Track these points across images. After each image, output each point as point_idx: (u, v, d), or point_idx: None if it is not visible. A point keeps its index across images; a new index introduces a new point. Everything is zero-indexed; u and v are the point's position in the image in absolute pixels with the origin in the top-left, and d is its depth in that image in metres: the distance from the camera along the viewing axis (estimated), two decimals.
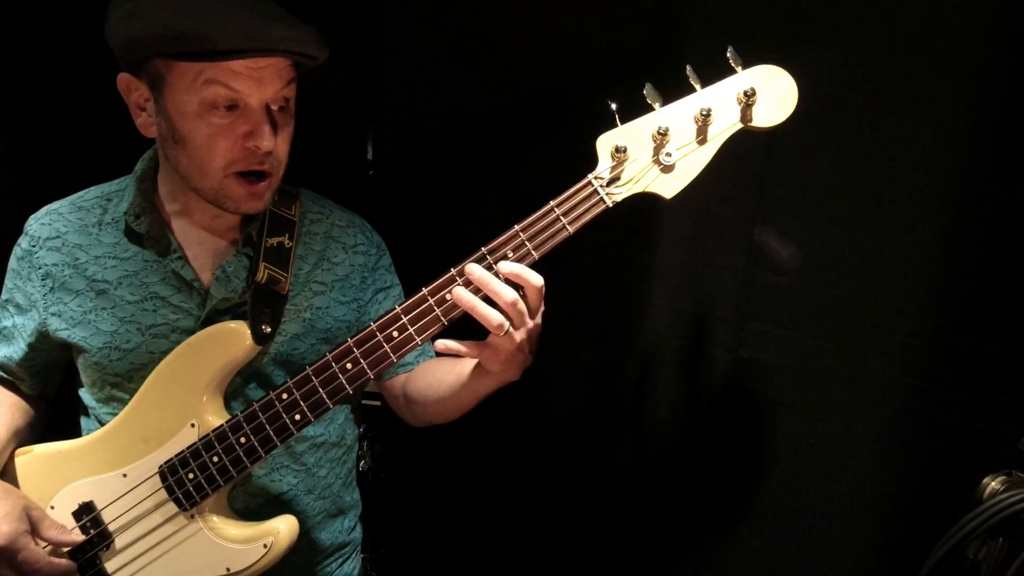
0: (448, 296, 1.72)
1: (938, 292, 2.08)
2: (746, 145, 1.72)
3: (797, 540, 2.36)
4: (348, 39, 2.50)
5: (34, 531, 1.90)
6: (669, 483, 2.52)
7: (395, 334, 1.75)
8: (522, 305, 1.67)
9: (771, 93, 1.68)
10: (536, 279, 1.66)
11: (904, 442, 2.18)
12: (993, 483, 1.65)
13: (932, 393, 2.13)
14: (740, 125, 1.70)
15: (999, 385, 2.07)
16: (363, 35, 2.54)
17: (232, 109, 1.80)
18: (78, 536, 1.95)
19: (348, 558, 2.28)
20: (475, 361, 1.84)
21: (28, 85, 2.54)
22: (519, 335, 1.70)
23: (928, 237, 2.07)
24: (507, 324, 1.66)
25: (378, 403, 2.25)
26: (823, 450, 2.29)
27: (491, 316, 1.65)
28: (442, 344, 1.72)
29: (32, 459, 2.03)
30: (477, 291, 1.68)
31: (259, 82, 1.79)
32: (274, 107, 1.85)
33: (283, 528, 1.92)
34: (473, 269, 1.67)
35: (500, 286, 1.65)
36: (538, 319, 1.72)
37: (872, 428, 2.21)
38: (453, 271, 1.71)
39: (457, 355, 1.75)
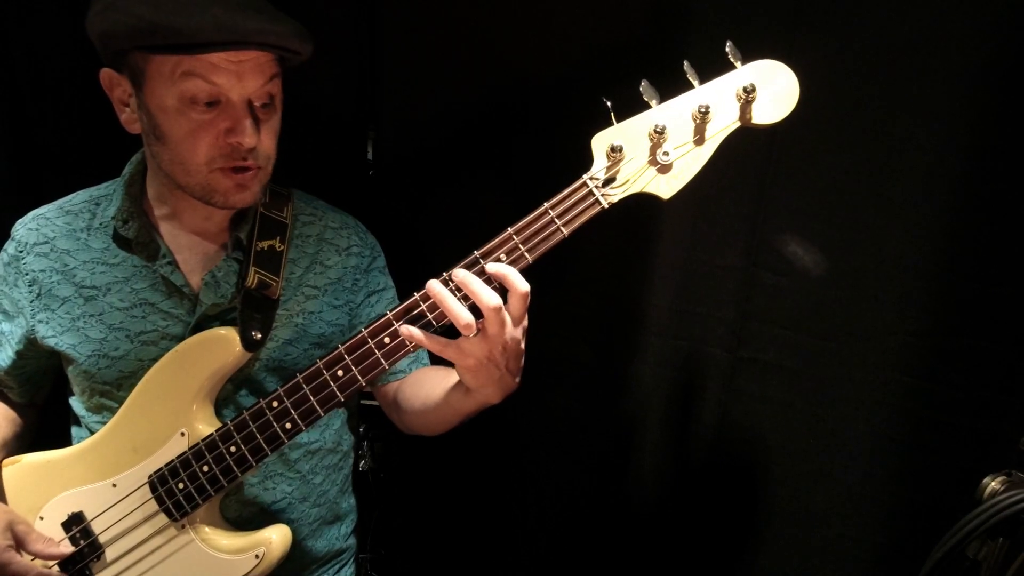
0: None
1: (938, 292, 2.08)
2: (746, 144, 1.72)
3: (797, 540, 2.36)
4: (348, 38, 2.47)
5: (21, 546, 1.88)
6: (668, 483, 2.51)
7: (386, 340, 1.73)
8: (504, 313, 1.61)
9: (771, 89, 1.64)
10: (521, 284, 1.61)
11: (904, 442, 2.17)
12: (993, 483, 1.64)
13: (932, 393, 2.12)
14: (739, 123, 1.66)
15: (999, 385, 2.06)
16: (363, 34, 2.51)
17: (213, 105, 1.77)
18: (66, 548, 1.93)
19: (344, 564, 2.26)
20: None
21: (28, 85, 2.53)
22: (493, 345, 1.64)
23: (928, 237, 2.06)
24: (475, 326, 1.61)
25: (376, 403, 2.23)
26: (823, 450, 2.29)
27: (460, 314, 1.61)
28: (406, 330, 1.67)
29: (20, 469, 2.00)
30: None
31: (239, 76, 1.76)
32: (257, 103, 1.82)
33: (275, 538, 1.90)
34: (457, 271, 1.64)
35: (481, 288, 1.60)
36: (518, 334, 1.66)
37: (872, 428, 2.21)
38: (445, 275, 1.69)
39: (421, 346, 1.69)
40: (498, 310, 1.59)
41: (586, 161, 1.71)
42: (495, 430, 2.20)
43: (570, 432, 2.64)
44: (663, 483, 2.52)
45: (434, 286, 1.65)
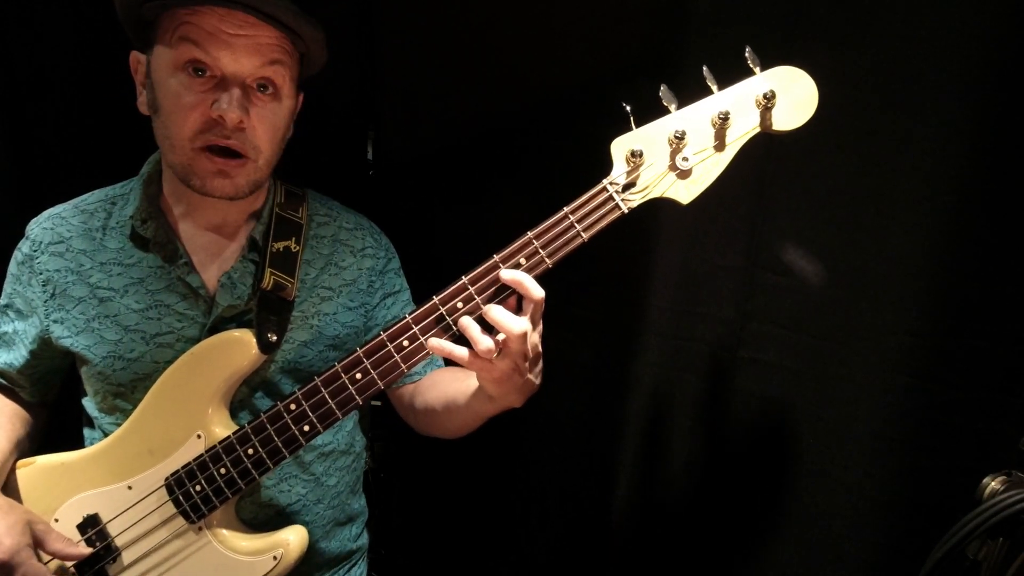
0: (459, 304, 1.69)
1: (938, 292, 2.08)
2: (746, 144, 1.72)
3: (797, 540, 2.36)
4: (348, 37, 2.47)
5: (39, 545, 1.87)
6: (669, 483, 2.51)
7: (405, 343, 1.73)
8: (534, 336, 1.64)
9: (790, 96, 1.67)
10: (537, 291, 1.62)
11: (904, 442, 2.17)
12: (993, 483, 1.65)
13: (932, 393, 2.12)
14: (759, 129, 1.69)
15: (999, 385, 2.06)
16: (363, 33, 2.51)
17: (203, 74, 1.77)
18: (84, 549, 1.92)
19: (355, 565, 2.26)
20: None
21: (28, 85, 2.50)
22: (516, 358, 1.65)
23: (928, 237, 2.06)
24: (495, 348, 1.62)
25: (378, 403, 2.23)
26: (823, 450, 2.29)
27: (480, 340, 1.62)
28: (436, 343, 1.68)
29: (34, 471, 1.99)
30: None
31: (233, 50, 1.76)
32: (251, 83, 1.81)
33: (293, 539, 1.90)
34: (490, 309, 1.63)
35: (508, 319, 1.61)
36: (536, 339, 1.67)
37: (872, 428, 2.20)
38: (464, 279, 1.69)
39: (451, 359, 1.69)
40: (523, 335, 1.61)
41: (588, 157, 1.73)
42: (496, 430, 2.19)
43: (570, 432, 2.64)
44: (663, 483, 2.52)
45: (464, 321, 1.66)
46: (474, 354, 1.66)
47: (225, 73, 1.77)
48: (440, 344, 1.67)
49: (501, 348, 1.63)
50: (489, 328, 1.65)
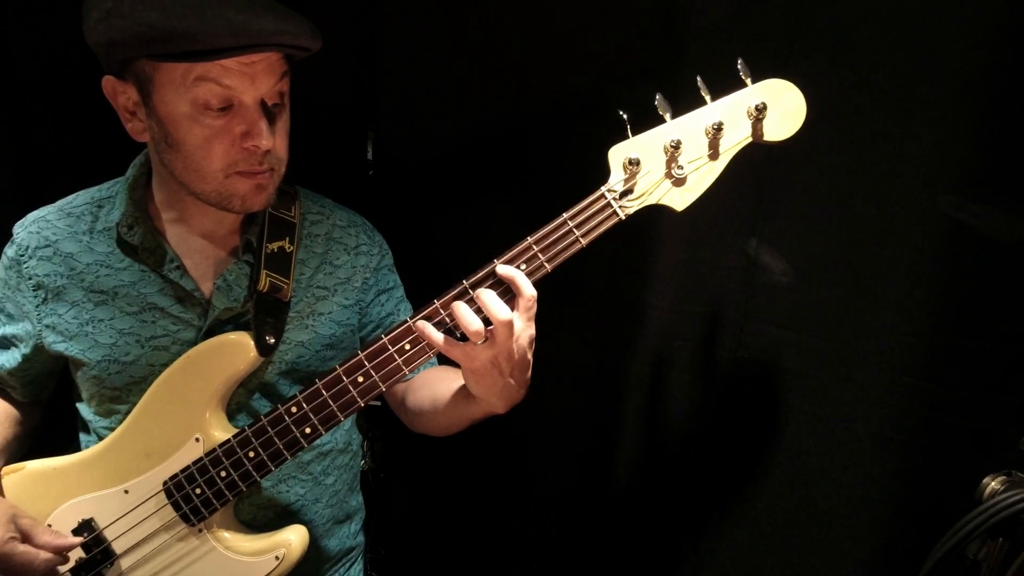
0: None
1: (938, 292, 2.08)
2: (741, 150, 1.73)
3: (797, 540, 2.37)
4: (348, 37, 2.46)
5: (27, 540, 1.84)
6: (669, 483, 2.52)
7: (407, 347, 1.74)
8: (522, 338, 1.65)
9: (780, 108, 1.70)
10: (528, 289, 1.64)
11: (904, 442, 2.17)
12: (993, 483, 1.66)
13: (932, 393, 2.13)
14: (751, 139, 1.72)
15: (999, 385, 2.06)
16: (364, 33, 2.50)
17: (226, 110, 1.74)
18: (74, 539, 1.89)
19: (354, 562, 2.27)
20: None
21: (28, 85, 2.50)
22: (499, 351, 1.65)
23: (928, 237, 2.06)
24: (484, 333, 1.63)
25: (378, 403, 2.22)
26: (823, 450, 2.29)
27: (470, 321, 1.63)
28: (422, 326, 1.69)
29: (24, 476, 1.96)
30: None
31: (252, 78, 1.73)
32: (269, 103, 1.80)
33: (294, 539, 1.90)
34: (481, 292, 1.65)
35: (496, 303, 1.62)
36: (524, 342, 1.67)
37: (872, 428, 2.21)
38: (465, 283, 1.69)
39: (431, 344, 1.70)
40: (508, 324, 1.62)
41: (583, 162, 1.73)
42: (495, 430, 2.20)
43: (569, 432, 2.65)
44: (663, 483, 2.52)
45: (457, 306, 1.66)
46: (452, 342, 1.68)
47: (244, 100, 1.75)
48: (424, 327, 1.69)
49: (487, 336, 1.63)
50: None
